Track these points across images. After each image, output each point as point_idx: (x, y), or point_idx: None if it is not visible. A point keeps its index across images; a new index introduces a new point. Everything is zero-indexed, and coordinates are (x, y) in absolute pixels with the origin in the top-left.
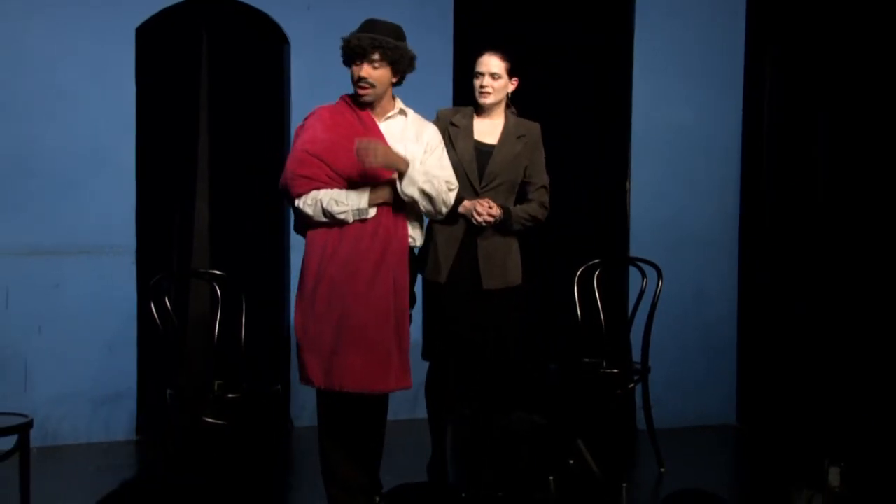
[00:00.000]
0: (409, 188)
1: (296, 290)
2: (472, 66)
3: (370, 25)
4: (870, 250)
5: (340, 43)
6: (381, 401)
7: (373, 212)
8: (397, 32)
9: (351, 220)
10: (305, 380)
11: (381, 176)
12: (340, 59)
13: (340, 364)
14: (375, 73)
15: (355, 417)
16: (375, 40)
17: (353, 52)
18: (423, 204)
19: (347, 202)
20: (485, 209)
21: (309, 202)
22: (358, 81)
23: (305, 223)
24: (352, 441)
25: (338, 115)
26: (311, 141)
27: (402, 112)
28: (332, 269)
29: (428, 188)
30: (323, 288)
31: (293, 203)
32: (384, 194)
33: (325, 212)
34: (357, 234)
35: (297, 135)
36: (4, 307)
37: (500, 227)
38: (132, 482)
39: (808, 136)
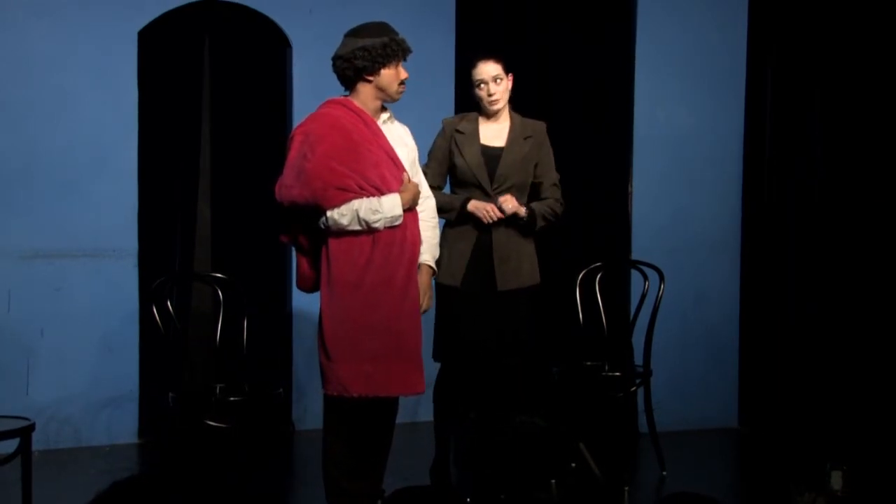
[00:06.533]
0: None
1: (318, 298)
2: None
3: (392, 29)
4: (872, 253)
5: (384, 42)
6: (395, 407)
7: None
8: None
9: (383, 227)
10: (339, 389)
11: (402, 182)
12: None
13: (384, 370)
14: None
15: (373, 423)
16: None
17: (404, 54)
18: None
19: (383, 210)
20: (493, 209)
21: (344, 212)
22: (403, 82)
23: (328, 233)
24: (364, 447)
25: (344, 120)
26: (334, 151)
27: (389, 115)
28: (369, 276)
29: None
30: (360, 296)
31: (323, 213)
32: (410, 197)
33: (361, 221)
34: (388, 240)
35: (303, 143)
36: (7, 310)
37: (525, 227)
38: (124, 482)
39: (810, 139)
